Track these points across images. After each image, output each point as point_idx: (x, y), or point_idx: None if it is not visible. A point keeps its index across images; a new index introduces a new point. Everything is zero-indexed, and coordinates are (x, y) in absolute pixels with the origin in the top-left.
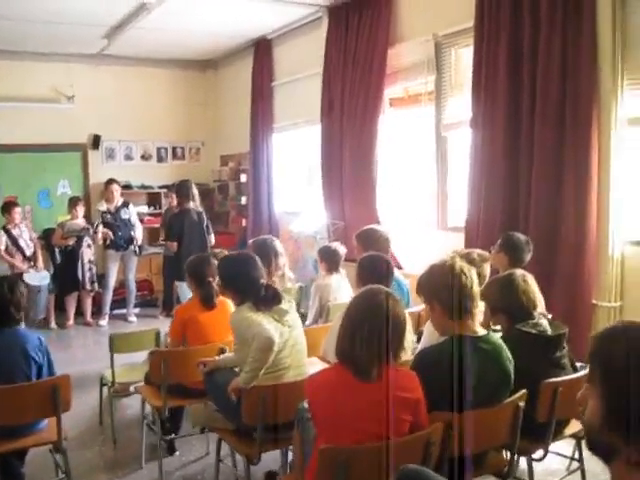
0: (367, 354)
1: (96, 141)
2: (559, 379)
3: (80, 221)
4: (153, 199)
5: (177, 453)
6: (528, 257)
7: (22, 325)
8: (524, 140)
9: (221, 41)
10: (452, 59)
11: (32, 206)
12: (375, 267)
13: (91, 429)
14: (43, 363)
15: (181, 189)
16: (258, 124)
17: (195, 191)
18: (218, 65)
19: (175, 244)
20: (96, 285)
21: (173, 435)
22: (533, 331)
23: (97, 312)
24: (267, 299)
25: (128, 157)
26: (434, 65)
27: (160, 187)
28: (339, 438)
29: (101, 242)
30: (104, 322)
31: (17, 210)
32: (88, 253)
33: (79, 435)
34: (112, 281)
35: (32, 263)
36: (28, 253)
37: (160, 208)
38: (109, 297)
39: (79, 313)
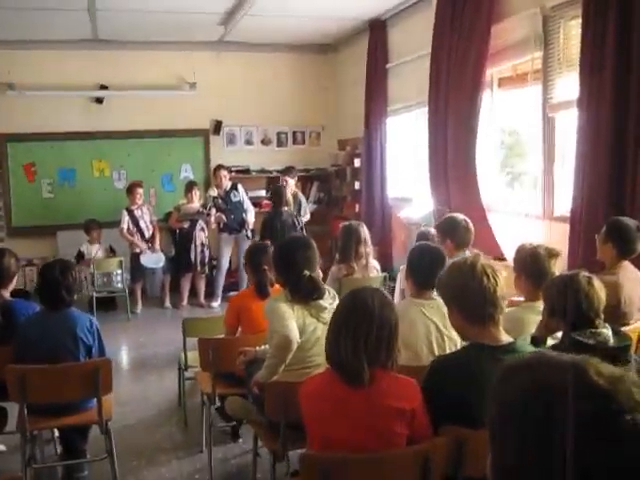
0: (353, 358)
1: (217, 126)
2: None
3: (195, 205)
4: (272, 184)
5: (240, 440)
6: (639, 246)
7: (73, 307)
8: (632, 121)
9: (337, 24)
10: (560, 33)
11: (156, 190)
12: (422, 260)
13: (170, 410)
14: (93, 344)
15: (274, 195)
16: (372, 107)
17: (289, 197)
18: (338, 48)
19: (269, 242)
20: (206, 268)
21: (235, 422)
22: (590, 341)
23: (210, 294)
24: (305, 292)
25: (248, 142)
26: (541, 40)
27: (279, 172)
28: (329, 447)
29: (214, 226)
30: (216, 304)
31: (139, 191)
32: (201, 236)
33: (156, 415)
34: (225, 263)
35: (150, 245)
36: (147, 235)
37: None
38: (221, 279)
39: (194, 294)
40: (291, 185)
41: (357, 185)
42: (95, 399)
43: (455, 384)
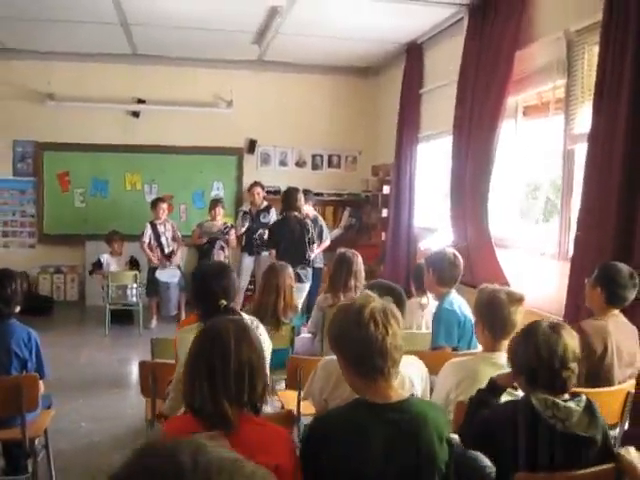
0: (212, 401)
1: (252, 146)
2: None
3: (218, 223)
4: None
5: None
6: (632, 295)
7: (12, 319)
8: None
9: (375, 46)
10: (585, 59)
11: (187, 205)
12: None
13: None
14: (30, 359)
15: (287, 196)
16: (404, 133)
17: (301, 202)
18: (379, 72)
19: (274, 252)
20: None
21: None
22: (546, 413)
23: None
24: None
25: (283, 163)
26: (565, 67)
27: None
28: None
29: (234, 244)
30: None
31: (162, 207)
32: (220, 255)
33: (130, 433)
34: (243, 283)
35: (168, 261)
36: (167, 251)
37: None
38: (240, 298)
39: None
40: (307, 210)
41: (385, 212)
42: (33, 413)
43: (336, 446)
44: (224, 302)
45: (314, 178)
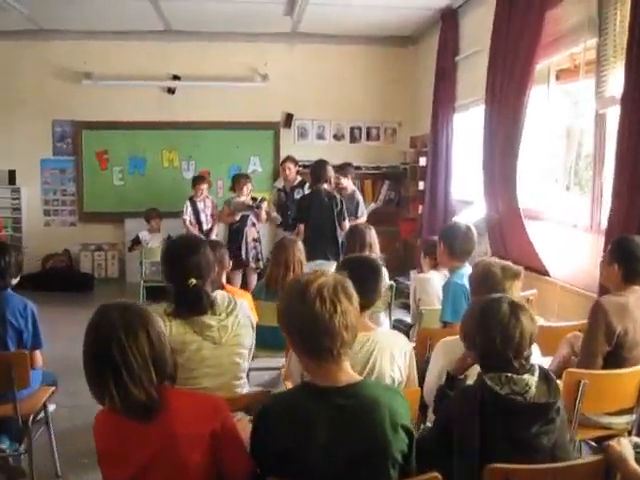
0: (122, 396)
1: (288, 120)
2: (510, 466)
3: (245, 199)
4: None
5: None
6: None
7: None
8: None
9: (407, 14)
10: (617, 17)
11: (223, 181)
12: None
13: None
14: (26, 329)
15: (314, 169)
16: (439, 103)
17: (330, 173)
18: (417, 40)
19: (302, 227)
20: (261, 263)
21: None
22: (503, 390)
23: None
24: (187, 304)
25: (320, 136)
26: (595, 25)
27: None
28: None
29: (265, 221)
30: None
31: (201, 188)
32: (252, 232)
33: None
34: None
35: (206, 238)
36: (205, 227)
37: None
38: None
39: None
40: (346, 184)
41: (421, 185)
42: (28, 390)
43: (281, 431)
44: (193, 281)
45: (352, 151)
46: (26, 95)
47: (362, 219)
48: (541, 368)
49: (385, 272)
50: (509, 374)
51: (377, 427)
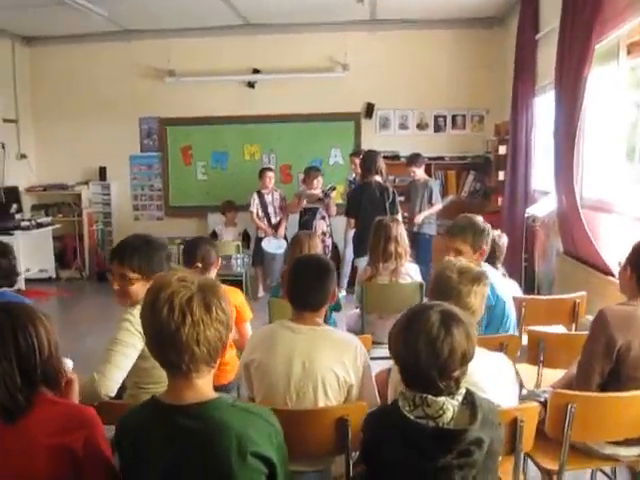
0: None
1: (370, 110)
2: None
3: (316, 191)
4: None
5: None
6: None
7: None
8: None
9: None
10: None
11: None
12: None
13: None
14: None
15: (365, 160)
16: (520, 85)
17: (381, 164)
18: (504, 20)
19: (353, 221)
20: (329, 257)
21: None
22: (412, 414)
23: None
24: None
25: (403, 126)
26: None
27: (432, 158)
28: None
29: (335, 213)
30: (340, 294)
31: (269, 175)
32: (322, 225)
33: None
34: (350, 253)
35: (274, 231)
36: (273, 220)
37: None
38: (347, 269)
39: None
40: (419, 174)
41: (501, 175)
42: None
43: (124, 446)
44: None
45: (436, 141)
46: (114, 94)
47: (436, 207)
48: (469, 392)
49: None
50: (424, 395)
51: (218, 455)
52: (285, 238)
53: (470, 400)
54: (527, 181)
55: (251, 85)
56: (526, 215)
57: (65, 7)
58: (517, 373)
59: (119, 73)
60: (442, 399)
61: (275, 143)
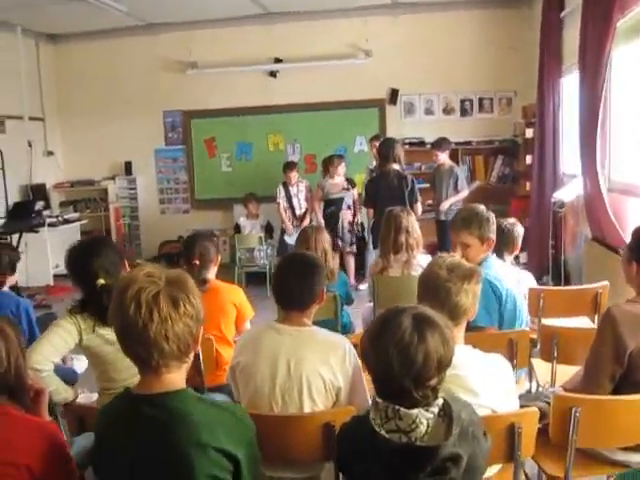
0: None
1: (394, 96)
2: None
3: (339, 181)
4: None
5: None
6: None
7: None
8: None
9: None
10: None
11: None
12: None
13: None
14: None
15: (382, 148)
16: (545, 65)
17: (399, 152)
18: (532, 0)
19: (371, 211)
20: (354, 247)
21: None
22: (382, 429)
23: (362, 275)
24: (99, 305)
25: (429, 111)
26: None
27: (459, 143)
28: None
29: (358, 203)
30: (364, 287)
31: (290, 175)
32: (348, 215)
33: None
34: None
35: (299, 223)
36: (298, 212)
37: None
38: (370, 260)
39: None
40: (443, 159)
41: (529, 159)
42: None
43: (102, 439)
44: (102, 281)
45: (463, 125)
46: (138, 88)
47: (462, 194)
48: (446, 403)
49: None
50: (397, 407)
51: (178, 445)
52: None
53: (447, 412)
54: (555, 165)
55: (273, 74)
56: (552, 200)
57: (84, 3)
58: (531, 370)
59: (142, 67)
60: (415, 412)
61: (299, 132)
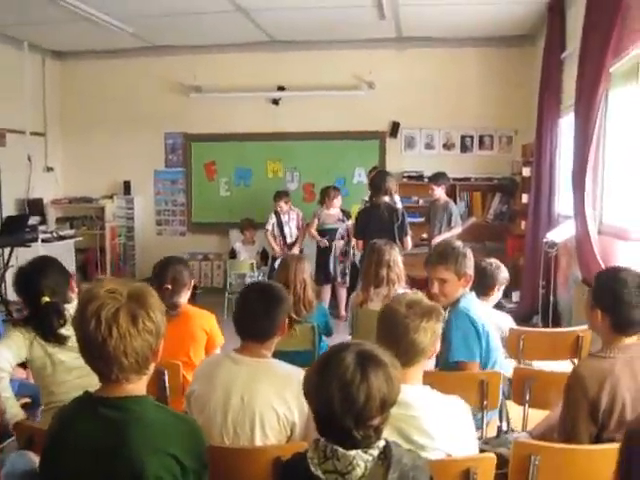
0: None
1: (395, 129)
2: None
3: (334, 212)
4: (446, 192)
5: None
6: None
7: None
8: None
9: (516, 9)
10: None
11: None
12: None
13: None
14: None
15: (374, 180)
16: (544, 105)
17: (391, 184)
18: (535, 39)
19: (360, 242)
20: (347, 278)
21: None
22: (317, 466)
23: None
24: (45, 321)
25: (429, 146)
26: None
27: (458, 179)
28: None
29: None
30: None
31: (279, 204)
32: (340, 245)
33: None
34: None
35: (289, 251)
36: (289, 240)
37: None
38: None
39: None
40: (439, 194)
41: (525, 198)
42: None
43: (56, 439)
44: (46, 299)
45: (463, 161)
46: (141, 109)
47: (455, 230)
48: (387, 446)
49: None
50: (335, 447)
51: (133, 446)
52: None
53: (387, 455)
54: (550, 205)
55: (275, 102)
56: (544, 240)
57: (91, 23)
58: (504, 413)
59: (146, 88)
60: (353, 453)
61: (299, 161)
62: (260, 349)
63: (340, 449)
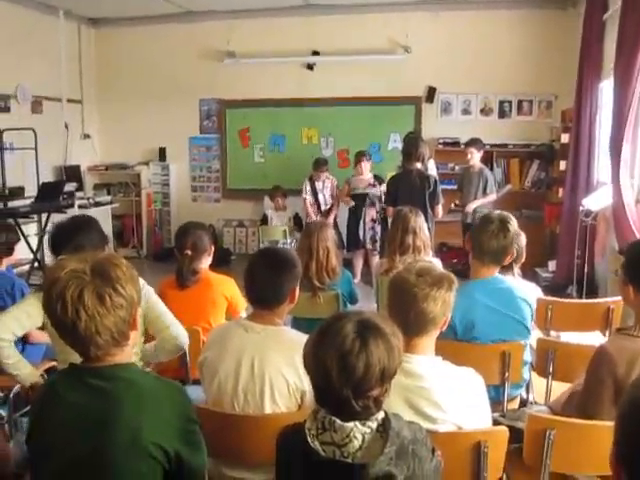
0: None
1: (431, 94)
2: None
3: (365, 177)
4: (483, 159)
5: None
6: None
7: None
8: None
9: None
10: None
11: None
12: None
13: None
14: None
15: (405, 146)
16: (585, 69)
17: (423, 150)
18: (579, 1)
19: (391, 209)
20: (377, 245)
21: None
22: (315, 442)
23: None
24: None
25: (466, 111)
26: None
27: (494, 145)
28: None
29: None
30: None
31: (321, 174)
32: (371, 212)
33: None
34: None
35: (324, 218)
36: (323, 208)
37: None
38: None
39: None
40: (476, 159)
41: (562, 165)
42: None
43: (40, 411)
44: None
45: (500, 127)
46: (176, 76)
47: (490, 197)
48: (386, 418)
49: None
50: (333, 418)
51: (127, 411)
52: (335, 226)
53: (386, 427)
54: (589, 172)
55: (310, 67)
56: (580, 209)
57: None
58: (528, 385)
59: (181, 54)
60: (350, 425)
61: (333, 127)
62: (271, 316)
63: (338, 421)
